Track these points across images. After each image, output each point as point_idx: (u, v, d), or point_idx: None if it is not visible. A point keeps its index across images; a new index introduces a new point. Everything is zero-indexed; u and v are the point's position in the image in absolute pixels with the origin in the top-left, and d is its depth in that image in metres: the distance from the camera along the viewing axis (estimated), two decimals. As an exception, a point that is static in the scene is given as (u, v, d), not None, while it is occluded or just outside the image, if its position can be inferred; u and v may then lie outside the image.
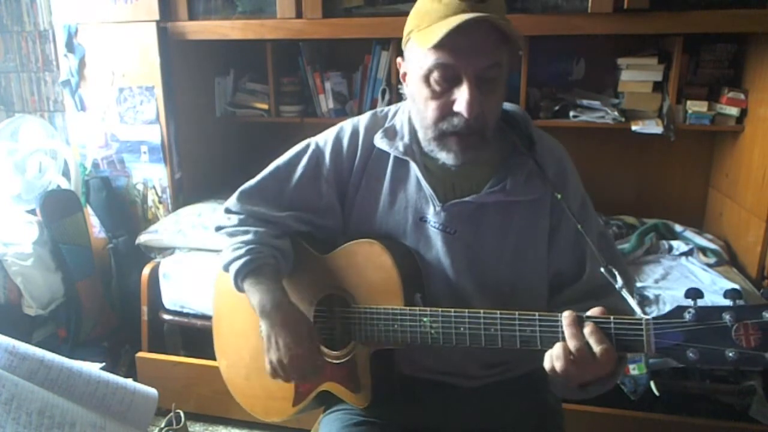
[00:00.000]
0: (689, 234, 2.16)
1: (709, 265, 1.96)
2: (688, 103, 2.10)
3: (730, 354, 0.81)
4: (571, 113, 2.19)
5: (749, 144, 2.02)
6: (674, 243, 2.11)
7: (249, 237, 1.12)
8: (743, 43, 2.10)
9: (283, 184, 1.16)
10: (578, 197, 1.11)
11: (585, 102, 2.19)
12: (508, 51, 0.99)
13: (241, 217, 1.16)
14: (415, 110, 1.06)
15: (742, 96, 2.03)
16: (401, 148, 1.09)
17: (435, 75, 0.98)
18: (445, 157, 1.03)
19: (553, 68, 2.34)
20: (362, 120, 1.17)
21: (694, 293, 0.86)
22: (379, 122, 1.16)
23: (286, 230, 1.16)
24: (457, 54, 0.95)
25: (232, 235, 1.15)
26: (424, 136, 1.05)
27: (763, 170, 1.89)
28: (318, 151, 1.17)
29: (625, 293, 0.96)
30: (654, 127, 2.08)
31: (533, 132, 1.11)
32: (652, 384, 1.74)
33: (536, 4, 1.98)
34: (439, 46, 0.94)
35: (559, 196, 1.05)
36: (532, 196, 1.07)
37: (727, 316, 0.82)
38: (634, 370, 1.73)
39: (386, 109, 1.19)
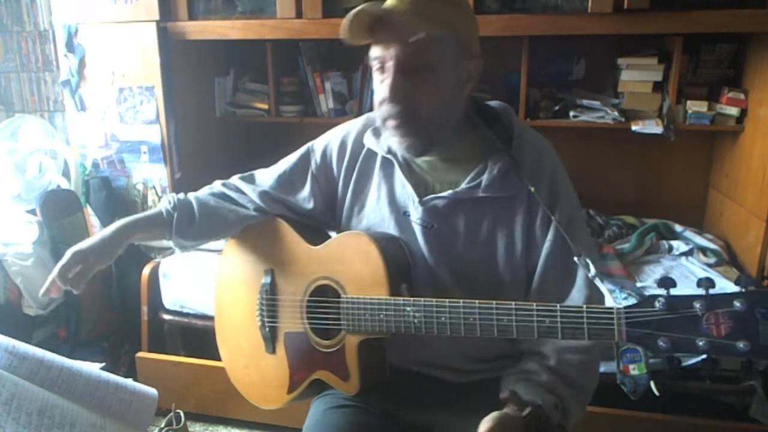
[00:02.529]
0: (689, 234, 2.16)
1: (709, 265, 1.96)
2: (688, 103, 2.10)
3: (701, 343, 0.82)
4: (571, 113, 2.19)
5: (749, 144, 2.02)
6: (674, 243, 2.11)
7: (190, 195, 1.29)
8: (743, 43, 2.10)
9: (276, 170, 1.29)
10: (553, 192, 1.11)
11: (585, 102, 2.19)
12: (446, 41, 1.03)
13: (220, 185, 1.33)
14: None
15: (742, 96, 2.03)
16: (385, 147, 1.16)
17: (374, 66, 1.08)
18: (396, 146, 1.11)
19: (553, 68, 2.34)
20: (354, 123, 1.26)
21: (667, 282, 0.86)
22: (370, 123, 1.23)
23: (255, 204, 1.27)
24: (381, 44, 1.05)
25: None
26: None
27: (763, 170, 1.89)
28: (311, 149, 1.28)
29: (598, 282, 0.98)
30: (654, 127, 2.08)
31: (515, 127, 1.13)
32: (652, 384, 1.73)
33: (536, 4, 1.98)
34: (373, 41, 1.06)
35: (532, 189, 1.07)
36: (507, 192, 1.09)
37: (697, 305, 0.82)
38: (634, 370, 1.72)
39: None
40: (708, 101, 2.10)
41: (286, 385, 1.21)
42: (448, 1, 1.06)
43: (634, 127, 2.10)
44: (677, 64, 2.05)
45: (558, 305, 0.93)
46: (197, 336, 2.16)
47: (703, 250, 2.04)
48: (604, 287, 0.97)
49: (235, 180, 1.32)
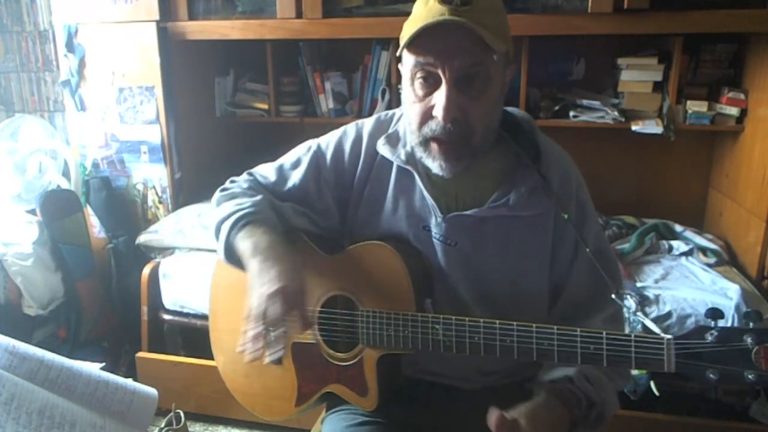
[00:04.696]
0: (689, 234, 2.16)
1: (709, 265, 1.96)
2: (688, 103, 2.10)
3: (750, 376, 0.82)
4: (571, 113, 2.19)
5: (749, 144, 2.02)
6: (674, 243, 2.11)
7: (257, 198, 1.10)
8: (743, 43, 2.10)
9: (285, 182, 1.17)
10: (580, 210, 1.10)
11: (585, 102, 2.19)
12: (498, 54, 0.96)
13: (250, 183, 1.17)
14: (405, 116, 1.07)
15: (742, 96, 2.03)
16: (403, 157, 1.09)
17: (417, 77, 0.98)
18: (434, 167, 1.03)
19: (553, 68, 2.34)
20: (366, 125, 1.17)
21: (714, 313, 0.86)
22: (383, 127, 1.15)
23: (283, 220, 1.14)
24: (436, 54, 0.95)
25: (235, 196, 1.13)
26: (412, 141, 1.05)
27: (763, 170, 1.89)
28: (319, 153, 1.17)
29: (641, 316, 0.96)
30: (654, 127, 2.08)
31: (539, 140, 1.09)
32: (652, 384, 1.74)
33: (536, 4, 1.98)
34: (418, 48, 0.96)
35: (566, 216, 1.04)
36: (535, 211, 1.06)
37: (748, 339, 0.82)
38: (634, 370, 1.73)
39: (391, 113, 1.18)
40: (708, 101, 2.10)
41: (294, 397, 1.15)
42: (501, 9, 1.01)
43: (634, 127, 2.10)
44: (677, 64, 2.05)
45: (604, 332, 0.90)
46: (197, 336, 2.16)
47: (703, 250, 2.04)
48: (649, 321, 0.96)
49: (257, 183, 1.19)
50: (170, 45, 2.23)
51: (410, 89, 1.01)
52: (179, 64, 2.30)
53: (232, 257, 1.07)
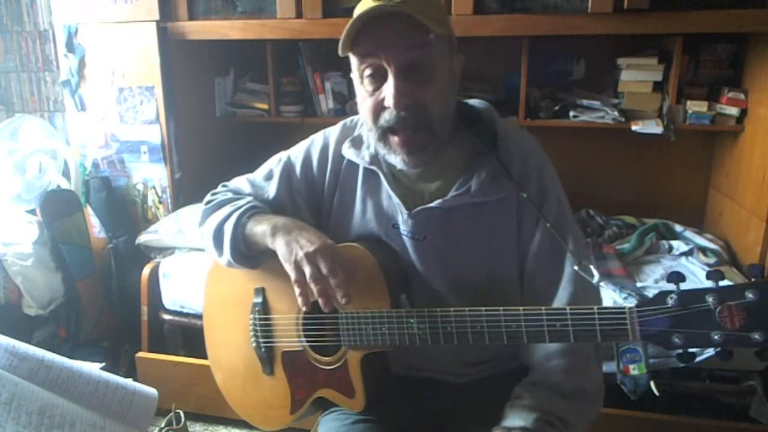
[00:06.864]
0: (689, 234, 2.16)
1: (709, 265, 1.96)
2: (688, 103, 2.10)
3: (716, 336, 0.81)
4: (571, 113, 2.19)
5: (749, 144, 2.02)
6: (674, 243, 2.11)
7: (249, 198, 1.15)
8: (743, 43, 2.10)
9: (260, 194, 1.20)
10: (540, 192, 1.08)
11: (585, 102, 2.19)
12: (436, 36, 0.97)
13: (232, 192, 1.21)
14: (360, 115, 1.08)
15: (742, 96, 2.03)
16: (367, 158, 1.11)
17: (365, 74, 1.00)
18: (396, 162, 1.04)
19: (553, 68, 2.34)
20: (333, 132, 1.19)
21: (676, 277, 0.85)
22: (348, 132, 1.17)
23: None
24: (377, 47, 0.97)
25: (225, 203, 1.16)
26: (372, 139, 1.06)
27: (763, 170, 1.90)
28: (289, 164, 1.19)
29: (604, 285, 0.95)
30: (654, 127, 2.08)
31: (498, 128, 1.09)
32: (652, 384, 1.74)
33: (536, 4, 1.98)
34: (359, 46, 0.98)
35: (524, 195, 1.04)
36: (498, 195, 1.06)
37: (710, 299, 0.81)
38: (634, 370, 1.73)
39: (355, 118, 1.19)
40: (708, 101, 2.10)
41: (288, 405, 1.16)
42: (433, 1, 1.03)
43: (634, 127, 2.10)
44: (677, 64, 2.05)
45: (568, 308, 0.91)
46: (197, 336, 2.14)
47: (703, 250, 2.04)
48: (610, 289, 0.96)
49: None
50: (170, 45, 2.23)
51: (361, 87, 1.03)
52: (179, 64, 2.30)
53: (241, 254, 1.10)
